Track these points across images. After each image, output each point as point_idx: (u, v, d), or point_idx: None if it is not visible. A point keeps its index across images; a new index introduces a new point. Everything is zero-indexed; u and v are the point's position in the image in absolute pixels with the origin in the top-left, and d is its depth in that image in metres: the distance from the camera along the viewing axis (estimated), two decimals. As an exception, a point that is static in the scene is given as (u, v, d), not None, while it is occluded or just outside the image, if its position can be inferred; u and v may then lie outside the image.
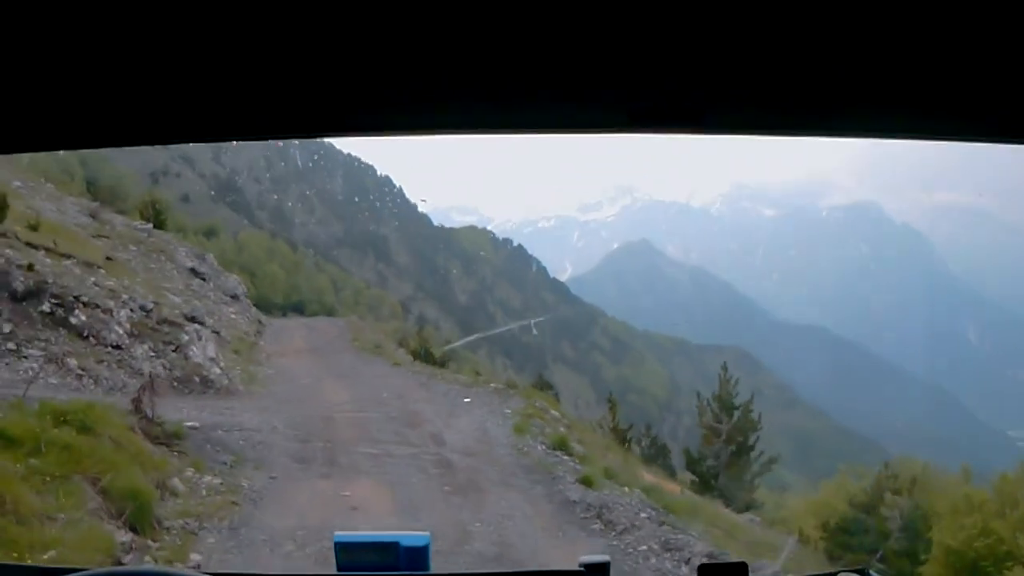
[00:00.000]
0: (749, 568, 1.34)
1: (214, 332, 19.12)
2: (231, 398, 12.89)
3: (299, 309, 58.55)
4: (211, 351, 13.93)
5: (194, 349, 13.43)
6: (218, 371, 13.59)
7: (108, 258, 21.67)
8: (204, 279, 24.96)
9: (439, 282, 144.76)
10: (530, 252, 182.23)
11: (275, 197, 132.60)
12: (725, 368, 20.13)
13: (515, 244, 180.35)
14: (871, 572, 1.54)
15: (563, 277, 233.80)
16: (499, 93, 1.07)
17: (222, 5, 0.82)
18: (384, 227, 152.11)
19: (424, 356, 29.01)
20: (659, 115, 1.09)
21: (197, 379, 13.13)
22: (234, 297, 25.77)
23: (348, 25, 0.85)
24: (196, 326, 14.21)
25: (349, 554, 1.56)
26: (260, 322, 26.24)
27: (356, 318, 35.91)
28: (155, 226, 28.16)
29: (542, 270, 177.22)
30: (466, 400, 15.53)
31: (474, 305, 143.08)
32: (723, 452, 20.90)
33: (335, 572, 1.60)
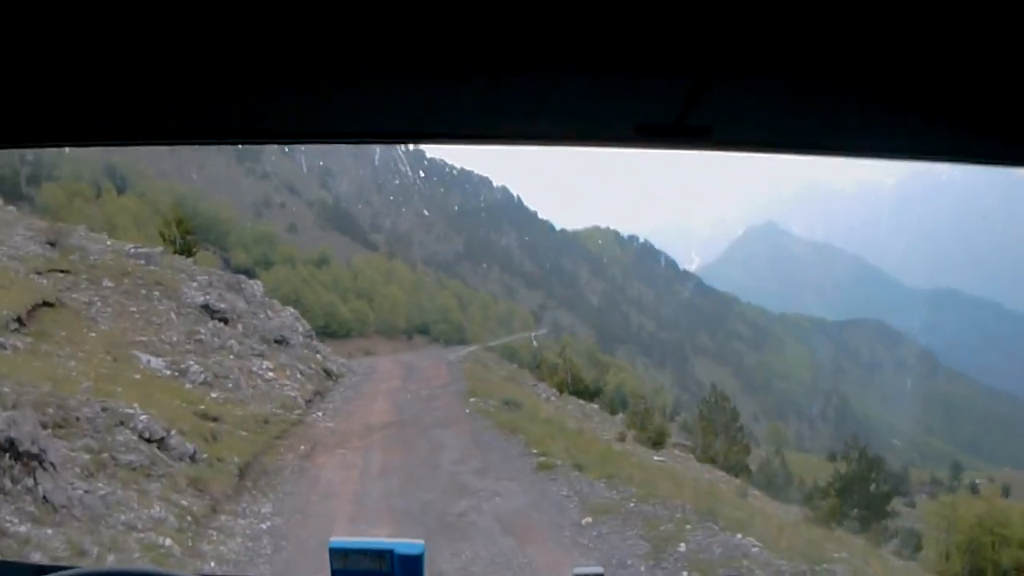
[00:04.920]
0: None
1: (145, 440, 8.02)
2: None
3: (424, 331, 48.88)
4: None
5: None
6: None
7: (46, 303, 11.50)
8: (225, 321, 13.97)
9: (568, 287, 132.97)
10: (657, 247, 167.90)
11: (389, 218, 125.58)
12: None
13: (641, 240, 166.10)
14: None
15: (692, 268, 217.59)
16: (502, 104, 1.00)
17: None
18: (506, 237, 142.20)
19: (571, 386, 23.13)
20: (667, 130, 1.01)
21: None
22: (281, 342, 14.72)
23: (328, 32, 0.76)
24: None
25: (343, 560, 1.51)
26: (329, 373, 15.20)
27: (479, 348, 24.44)
28: (181, 251, 17.52)
29: (671, 263, 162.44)
30: None
31: (607, 306, 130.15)
32: None
33: None
